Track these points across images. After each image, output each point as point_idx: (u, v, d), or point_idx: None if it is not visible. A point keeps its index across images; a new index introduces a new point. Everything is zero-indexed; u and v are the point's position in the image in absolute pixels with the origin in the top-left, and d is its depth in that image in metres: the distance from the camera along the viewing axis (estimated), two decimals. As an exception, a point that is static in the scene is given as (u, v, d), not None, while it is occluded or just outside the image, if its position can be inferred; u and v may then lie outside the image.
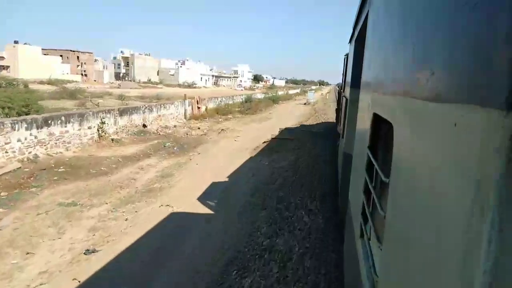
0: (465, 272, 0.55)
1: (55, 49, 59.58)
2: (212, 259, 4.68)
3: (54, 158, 9.33)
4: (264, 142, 13.01)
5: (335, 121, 12.06)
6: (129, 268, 4.52)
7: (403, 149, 1.08)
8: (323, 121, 19.15)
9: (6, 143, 8.32)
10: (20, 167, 8.30)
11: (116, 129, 12.95)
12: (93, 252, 4.80)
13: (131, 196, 7.16)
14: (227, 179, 8.56)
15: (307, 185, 7.21)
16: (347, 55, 6.47)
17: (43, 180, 7.74)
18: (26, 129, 8.95)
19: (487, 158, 0.51)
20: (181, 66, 73.46)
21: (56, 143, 9.91)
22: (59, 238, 5.25)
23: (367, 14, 2.70)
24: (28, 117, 9.46)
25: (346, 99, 5.24)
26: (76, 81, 47.02)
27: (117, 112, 13.09)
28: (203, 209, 6.62)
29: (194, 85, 62.11)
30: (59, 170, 8.51)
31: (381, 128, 1.94)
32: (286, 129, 15.73)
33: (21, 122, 8.83)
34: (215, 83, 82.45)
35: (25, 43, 52.72)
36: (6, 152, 8.33)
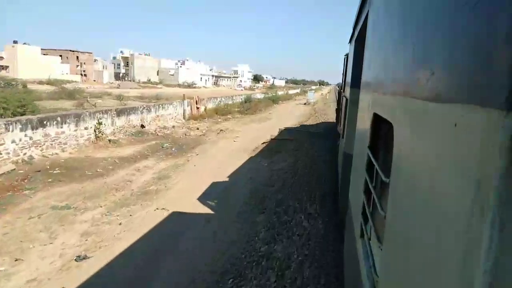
0: (465, 272, 0.55)
1: (55, 49, 59.35)
2: (212, 259, 4.57)
3: (49, 160, 9.17)
4: (264, 142, 12.86)
5: (335, 121, 11.95)
6: (123, 274, 4.37)
7: (403, 149, 1.08)
8: (323, 121, 19.03)
9: (0, 145, 8.17)
10: (14, 169, 8.14)
11: (114, 129, 12.78)
12: (84, 259, 4.64)
13: (127, 199, 7.00)
14: (226, 179, 8.42)
15: (306, 187, 7.06)
16: (347, 55, 6.47)
17: (37, 182, 7.58)
18: (21, 130, 8.79)
19: (487, 158, 0.51)
20: (181, 66, 73.29)
21: (51, 144, 9.76)
22: (51, 243, 5.09)
23: (367, 14, 2.71)
24: (23, 117, 9.30)
25: (346, 99, 5.24)
26: (75, 81, 46.82)
27: (115, 112, 12.93)
28: (203, 209, 6.51)
29: (194, 85, 61.94)
30: (54, 171, 8.35)
31: (381, 128, 1.95)
32: (286, 129, 15.58)
33: (16, 123, 8.67)
34: (215, 83, 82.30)
35: (24, 43, 52.53)
36: (0, 154, 8.16)
